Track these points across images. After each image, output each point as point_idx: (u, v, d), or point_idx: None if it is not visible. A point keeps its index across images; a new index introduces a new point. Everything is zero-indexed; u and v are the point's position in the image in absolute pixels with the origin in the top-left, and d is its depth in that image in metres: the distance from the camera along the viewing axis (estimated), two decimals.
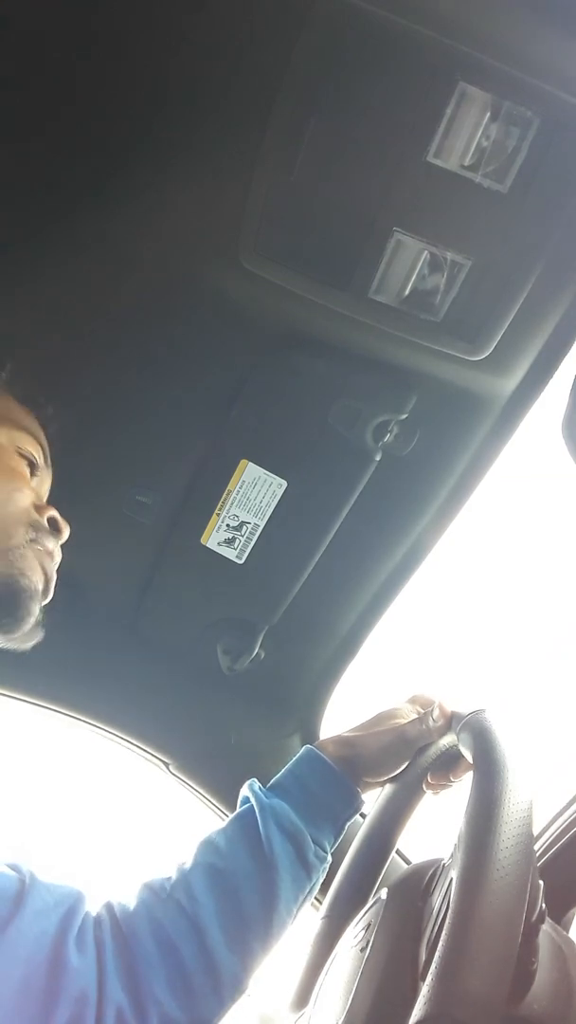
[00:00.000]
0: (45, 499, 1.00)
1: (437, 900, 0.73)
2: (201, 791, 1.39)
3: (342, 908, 0.95)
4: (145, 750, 1.39)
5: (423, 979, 0.59)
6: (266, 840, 0.90)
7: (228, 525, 1.18)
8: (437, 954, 0.58)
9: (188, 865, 0.91)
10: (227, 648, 1.31)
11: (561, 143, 0.82)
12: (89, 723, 1.38)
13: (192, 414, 1.12)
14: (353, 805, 0.96)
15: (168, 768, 1.40)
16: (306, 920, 0.95)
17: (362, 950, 0.77)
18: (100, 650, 1.34)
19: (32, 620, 0.89)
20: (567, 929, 0.96)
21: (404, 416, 1.07)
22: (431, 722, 0.95)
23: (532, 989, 0.64)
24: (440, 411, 1.06)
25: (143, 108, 0.89)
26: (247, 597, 1.26)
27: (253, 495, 1.15)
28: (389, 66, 0.80)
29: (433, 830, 1.02)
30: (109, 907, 0.89)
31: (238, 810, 0.96)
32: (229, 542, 1.19)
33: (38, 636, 0.92)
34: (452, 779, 0.95)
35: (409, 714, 0.99)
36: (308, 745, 0.99)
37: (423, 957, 0.69)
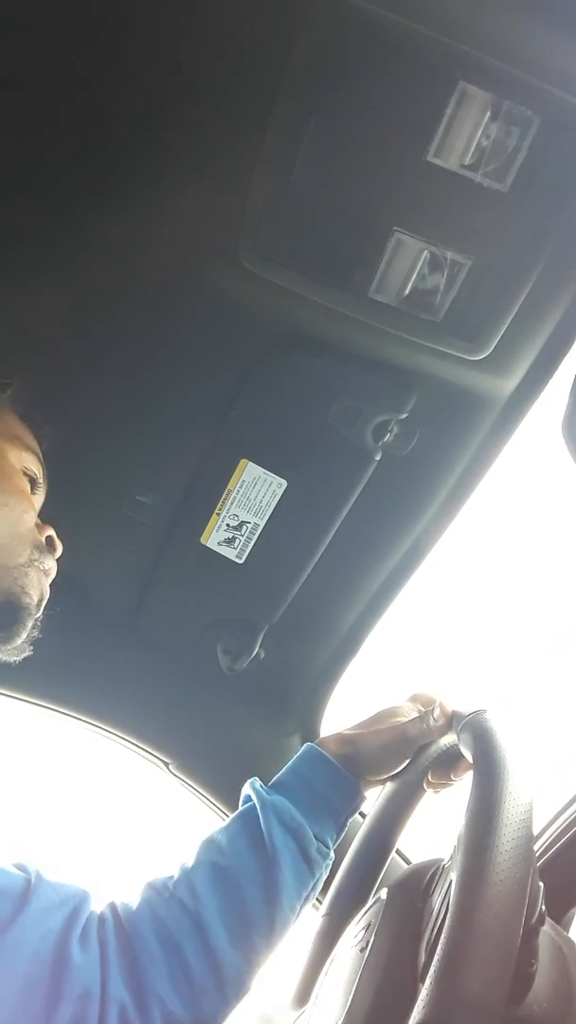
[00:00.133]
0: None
1: (437, 901, 0.73)
2: (201, 791, 1.39)
3: (342, 906, 0.95)
4: (145, 750, 1.39)
5: (422, 981, 0.59)
6: (268, 836, 0.90)
7: (228, 525, 1.18)
8: (436, 957, 0.58)
9: (190, 863, 0.91)
10: (227, 648, 1.31)
11: (561, 143, 0.82)
12: (89, 723, 1.38)
13: (192, 414, 1.12)
14: (355, 801, 0.96)
15: (168, 768, 1.40)
16: (306, 919, 0.95)
17: (362, 950, 0.77)
18: (100, 650, 1.34)
19: (24, 635, 0.92)
20: (567, 929, 0.96)
21: (404, 416, 1.07)
22: (432, 721, 0.95)
23: (532, 990, 0.64)
24: (440, 411, 1.06)
25: (143, 108, 0.89)
26: (247, 597, 1.26)
27: (253, 495, 1.15)
28: (389, 66, 0.80)
29: (433, 830, 1.02)
30: (112, 906, 0.89)
31: (240, 808, 0.96)
32: (229, 542, 1.19)
33: (27, 651, 0.95)
34: (453, 778, 0.95)
35: (410, 712, 0.99)
36: (309, 743, 0.99)
37: (423, 958, 0.69)
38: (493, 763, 0.72)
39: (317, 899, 0.96)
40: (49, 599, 0.98)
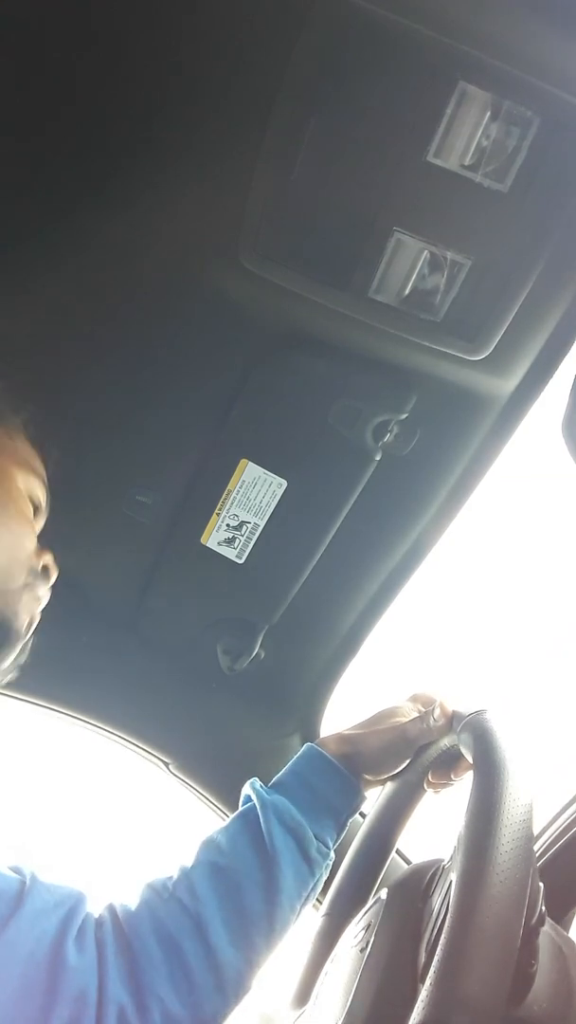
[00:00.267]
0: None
1: (437, 901, 0.73)
2: (201, 791, 1.39)
3: (342, 906, 0.95)
4: (145, 750, 1.39)
5: (422, 981, 0.59)
6: (267, 835, 0.90)
7: (228, 525, 1.18)
8: (436, 958, 0.58)
9: (190, 864, 0.91)
10: (227, 648, 1.31)
11: (561, 143, 0.82)
12: (89, 723, 1.38)
13: (192, 414, 1.12)
14: (355, 801, 0.96)
15: (168, 768, 1.40)
16: (306, 919, 0.95)
17: (362, 950, 0.77)
18: (100, 650, 1.34)
19: (11, 659, 0.92)
20: (567, 929, 0.96)
21: (404, 416, 1.07)
22: (432, 721, 0.95)
23: (532, 990, 0.64)
24: (440, 411, 1.06)
25: (143, 108, 0.89)
26: (247, 597, 1.26)
27: (253, 495, 1.15)
28: (389, 66, 0.80)
29: (433, 830, 1.02)
30: (111, 908, 0.89)
31: (240, 809, 0.96)
32: (229, 542, 1.19)
33: (12, 675, 0.95)
34: (453, 778, 0.95)
35: (410, 712, 0.99)
36: (309, 743, 0.99)
37: (422, 959, 0.69)
38: (493, 763, 0.72)
39: (317, 899, 0.96)
40: (49, 599, 0.98)
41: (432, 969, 0.57)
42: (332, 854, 0.94)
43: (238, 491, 1.15)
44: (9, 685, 1.26)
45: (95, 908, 0.88)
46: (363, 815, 1.01)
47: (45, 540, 1.01)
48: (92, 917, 0.87)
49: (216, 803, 1.39)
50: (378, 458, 1.10)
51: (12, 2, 0.83)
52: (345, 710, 1.37)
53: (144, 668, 1.35)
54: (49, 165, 0.94)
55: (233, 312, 1.01)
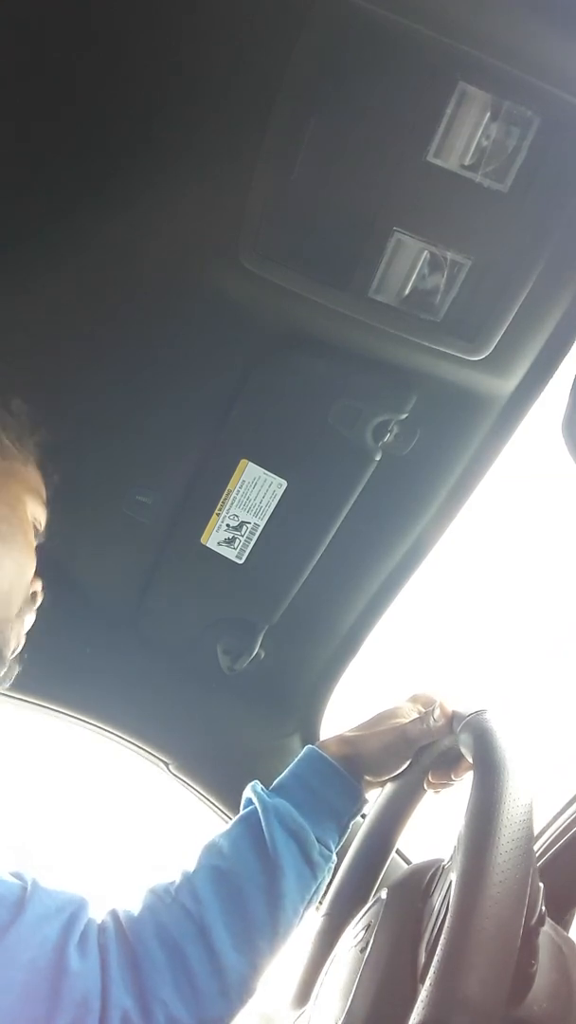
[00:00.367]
0: None
1: (437, 901, 0.73)
2: (201, 791, 1.39)
3: (343, 906, 0.95)
4: (145, 750, 1.39)
5: (422, 981, 0.59)
6: (270, 839, 0.90)
7: (228, 525, 1.18)
8: (436, 958, 0.58)
9: (192, 868, 0.91)
10: (227, 648, 1.31)
11: (561, 143, 0.82)
12: (89, 723, 1.38)
13: (192, 414, 1.12)
14: (356, 803, 0.96)
15: (168, 768, 1.40)
16: (307, 920, 0.94)
17: (362, 950, 0.77)
18: (100, 650, 1.34)
19: None
20: (567, 929, 0.96)
21: (404, 416, 1.07)
22: (432, 722, 0.95)
23: (532, 991, 0.64)
24: (440, 411, 1.06)
25: (143, 108, 0.89)
26: (247, 597, 1.26)
27: (253, 495, 1.15)
28: (389, 66, 0.80)
29: (433, 830, 1.02)
30: (114, 913, 0.89)
31: (241, 812, 0.96)
32: (229, 542, 1.19)
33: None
34: (453, 778, 0.95)
35: (410, 713, 0.99)
36: (310, 745, 0.99)
37: (422, 959, 0.69)
38: (493, 763, 0.72)
39: (318, 901, 0.96)
40: (49, 599, 0.98)
41: (432, 969, 0.57)
42: (334, 856, 0.94)
43: (238, 491, 1.15)
44: (10, 685, 1.27)
45: (97, 913, 0.88)
46: (363, 816, 1.01)
47: (44, 544, 1.01)
48: (94, 923, 0.86)
49: (216, 803, 1.39)
50: (378, 458, 1.10)
51: (12, 2, 0.83)
52: (345, 710, 1.37)
53: (144, 668, 1.35)
54: (49, 165, 0.94)
55: (233, 312, 1.01)
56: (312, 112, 0.84)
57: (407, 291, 0.94)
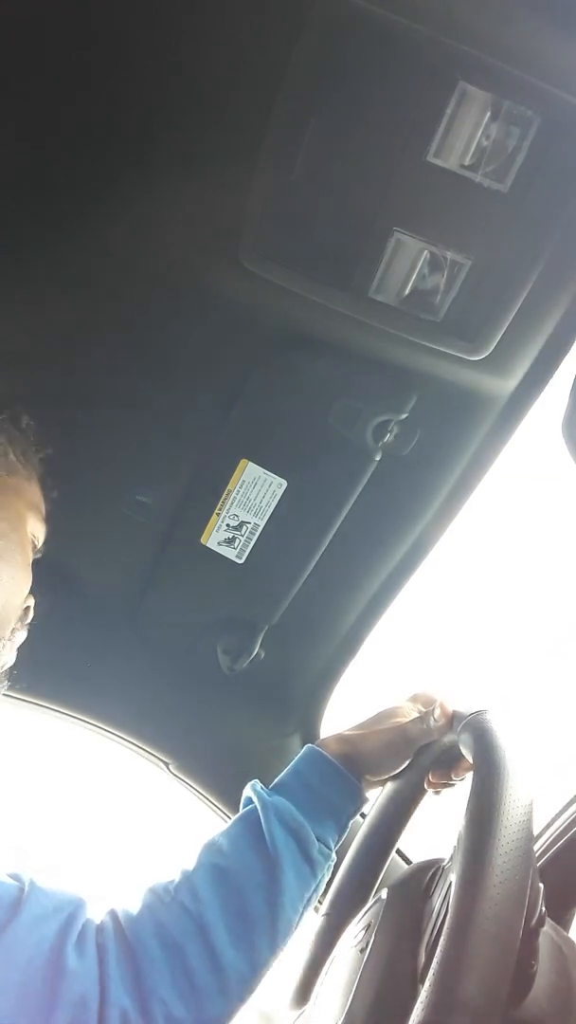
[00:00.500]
0: None
1: (437, 902, 0.73)
2: (201, 791, 1.39)
3: (343, 906, 0.94)
4: (145, 750, 1.39)
5: (422, 982, 0.59)
6: (269, 837, 0.90)
7: (228, 525, 1.18)
8: (435, 960, 0.58)
9: (191, 867, 0.91)
10: (227, 648, 1.31)
11: (561, 143, 0.82)
12: (89, 723, 1.38)
13: (192, 414, 1.12)
14: (356, 801, 0.96)
15: (168, 768, 1.40)
16: (307, 920, 0.94)
17: (362, 950, 0.77)
18: (100, 650, 1.34)
19: None
20: (567, 929, 0.96)
21: (404, 416, 1.07)
22: (432, 721, 0.95)
23: (532, 991, 0.64)
24: (440, 411, 1.06)
25: (144, 108, 0.89)
26: (247, 597, 1.26)
27: (253, 495, 1.15)
28: (389, 66, 0.80)
29: (433, 830, 1.02)
30: (113, 913, 0.89)
31: (241, 811, 0.96)
32: (229, 542, 1.19)
33: None
34: (453, 778, 0.95)
35: (410, 712, 0.99)
36: (310, 744, 0.99)
37: (422, 960, 0.69)
38: (493, 764, 0.72)
39: (318, 901, 0.96)
40: (49, 599, 0.99)
41: (431, 971, 0.57)
42: (334, 855, 0.94)
43: (238, 491, 1.15)
44: (9, 685, 1.27)
45: (96, 913, 0.88)
46: (363, 816, 1.01)
47: (44, 544, 1.01)
48: (92, 922, 0.86)
49: (216, 803, 1.39)
50: (378, 458, 1.10)
51: (12, 2, 0.83)
52: (345, 710, 1.37)
53: (144, 668, 1.35)
54: (49, 165, 0.94)
55: (233, 312, 1.01)
56: (312, 112, 0.84)
57: (407, 291, 0.94)
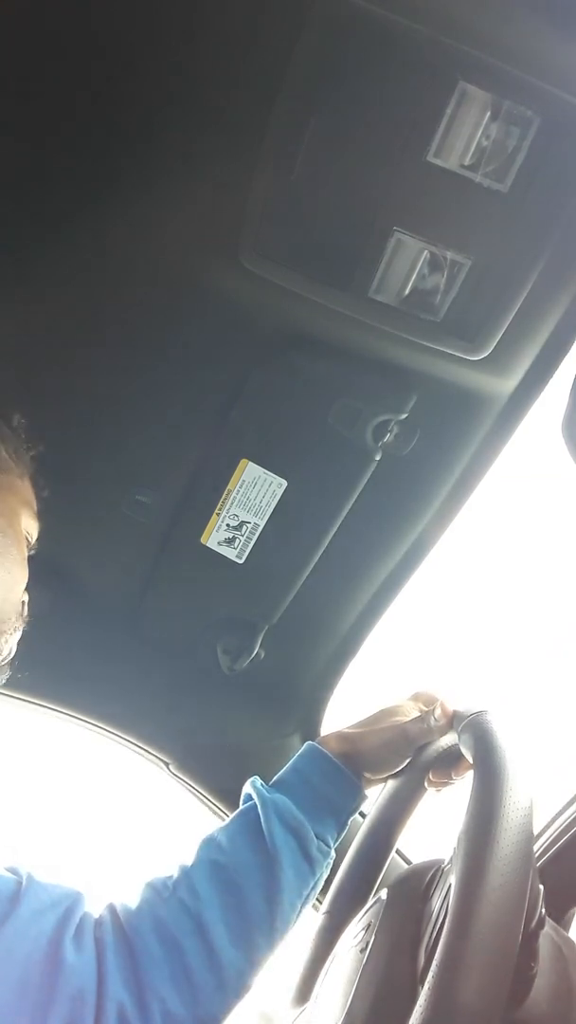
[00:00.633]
0: None
1: (436, 903, 0.73)
2: (201, 791, 1.39)
3: (344, 904, 0.94)
4: (145, 750, 1.39)
5: (421, 984, 0.59)
6: (268, 834, 0.90)
7: (228, 525, 1.18)
8: (434, 964, 0.58)
9: (190, 863, 0.91)
10: (227, 648, 1.31)
11: (561, 143, 0.82)
12: (89, 723, 1.38)
13: (192, 414, 1.12)
14: (356, 799, 0.96)
15: (168, 768, 1.40)
16: (307, 918, 0.94)
17: (362, 951, 0.76)
18: (100, 650, 1.34)
19: None
20: (567, 929, 0.96)
21: (404, 416, 1.07)
22: (432, 721, 0.95)
23: (532, 994, 0.64)
24: (440, 411, 1.06)
25: (144, 108, 0.89)
26: (247, 597, 1.26)
27: (253, 495, 1.15)
28: (389, 66, 0.80)
29: (433, 830, 1.02)
30: (111, 908, 0.89)
31: (240, 807, 0.96)
32: (229, 542, 1.19)
33: None
34: (454, 776, 0.95)
35: (411, 711, 0.99)
36: (310, 741, 0.99)
37: (421, 962, 0.69)
38: (493, 766, 0.72)
39: (317, 899, 0.96)
40: (49, 599, 0.99)
41: (430, 974, 0.57)
42: (333, 853, 0.94)
43: (238, 491, 1.15)
44: (9, 685, 1.27)
45: (94, 908, 0.88)
46: (363, 815, 1.01)
47: (44, 544, 1.01)
48: (91, 916, 0.87)
49: (216, 803, 1.39)
50: (378, 458, 1.10)
51: (12, 3, 0.83)
52: (345, 710, 1.37)
53: (144, 668, 1.35)
54: (49, 165, 0.94)
55: (233, 312, 1.01)
56: (312, 112, 0.84)
57: (407, 291, 0.94)
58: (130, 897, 0.90)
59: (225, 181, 0.91)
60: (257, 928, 0.87)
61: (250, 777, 0.99)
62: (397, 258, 0.92)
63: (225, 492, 1.15)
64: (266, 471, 1.13)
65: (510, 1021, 0.61)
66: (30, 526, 0.99)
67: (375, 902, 0.83)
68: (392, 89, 0.82)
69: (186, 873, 0.90)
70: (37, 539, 1.01)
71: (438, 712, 0.95)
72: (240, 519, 1.17)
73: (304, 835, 0.91)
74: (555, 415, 0.82)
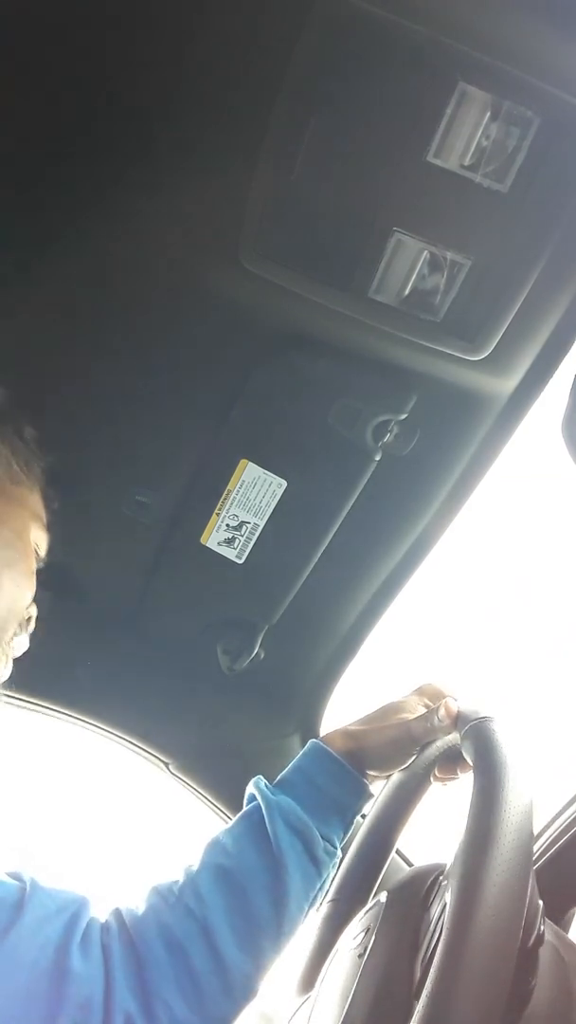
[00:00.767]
0: None
1: (435, 911, 0.73)
2: (201, 791, 1.39)
3: (351, 892, 0.94)
4: (145, 750, 1.39)
5: (417, 998, 0.59)
6: (274, 838, 0.89)
7: (228, 525, 1.18)
8: (430, 978, 0.57)
9: (195, 867, 0.91)
10: (227, 648, 1.30)
11: (561, 143, 0.82)
12: (89, 723, 1.38)
13: (192, 414, 1.12)
14: (362, 798, 0.95)
15: (168, 768, 1.40)
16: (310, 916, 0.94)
17: (360, 956, 0.76)
18: (100, 650, 1.34)
19: None
20: (567, 929, 0.96)
21: (404, 416, 1.07)
22: (436, 721, 0.94)
23: (530, 1006, 0.63)
24: (440, 411, 1.06)
25: (143, 108, 0.89)
26: (247, 597, 1.26)
27: (253, 495, 1.15)
28: (389, 66, 0.80)
29: (433, 830, 1.02)
30: (117, 913, 0.88)
31: (244, 808, 0.95)
32: (229, 542, 1.19)
33: None
34: (459, 773, 0.95)
35: (415, 707, 0.98)
36: (314, 740, 0.98)
37: (418, 974, 0.68)
38: (493, 780, 0.70)
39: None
40: (49, 599, 0.98)
41: (426, 989, 0.57)
42: (339, 853, 0.93)
43: (238, 491, 1.15)
44: (9, 685, 1.27)
45: (100, 913, 0.88)
46: (363, 816, 1.01)
47: (46, 556, 1.01)
48: (97, 922, 0.86)
49: (216, 803, 1.39)
50: (378, 458, 1.10)
51: (12, 3, 0.83)
52: (345, 710, 1.36)
53: (144, 668, 1.35)
54: (50, 167, 0.94)
55: (233, 312, 1.01)
56: (312, 112, 0.84)
57: (407, 291, 0.94)
58: (136, 902, 0.90)
59: (225, 181, 0.91)
60: (263, 932, 0.86)
61: (250, 777, 0.98)
62: (397, 258, 0.92)
63: (225, 492, 1.15)
64: (266, 471, 1.13)
65: None
66: (39, 539, 0.99)
67: (374, 904, 0.83)
68: (392, 89, 0.82)
69: (191, 878, 0.89)
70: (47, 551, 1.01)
71: (442, 712, 0.94)
72: (240, 519, 1.17)
73: (310, 837, 0.90)
74: (555, 415, 0.81)
